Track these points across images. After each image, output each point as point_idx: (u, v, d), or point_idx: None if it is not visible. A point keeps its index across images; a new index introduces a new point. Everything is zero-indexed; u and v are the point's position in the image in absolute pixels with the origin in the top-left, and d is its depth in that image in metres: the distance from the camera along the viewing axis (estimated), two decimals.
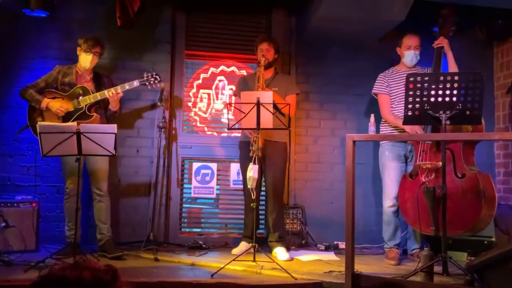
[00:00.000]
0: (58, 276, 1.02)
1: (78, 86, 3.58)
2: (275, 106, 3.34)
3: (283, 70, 4.37)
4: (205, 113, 4.44)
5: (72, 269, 1.04)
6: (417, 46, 3.69)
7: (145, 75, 3.71)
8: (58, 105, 3.54)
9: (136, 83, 3.66)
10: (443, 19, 3.58)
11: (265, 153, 3.64)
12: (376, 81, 3.82)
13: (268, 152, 3.68)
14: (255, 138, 3.46)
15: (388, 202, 3.66)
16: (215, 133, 4.46)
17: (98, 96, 3.55)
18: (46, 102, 3.54)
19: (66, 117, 3.54)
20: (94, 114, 3.59)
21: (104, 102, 3.68)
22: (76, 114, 3.54)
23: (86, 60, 3.58)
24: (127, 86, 3.61)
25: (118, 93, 3.57)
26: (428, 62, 3.65)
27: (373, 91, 3.83)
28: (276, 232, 3.74)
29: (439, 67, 3.53)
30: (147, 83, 3.71)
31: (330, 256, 3.73)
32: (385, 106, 3.75)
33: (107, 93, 3.55)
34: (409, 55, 3.69)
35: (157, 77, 3.73)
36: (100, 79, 3.71)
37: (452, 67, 3.51)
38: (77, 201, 3.23)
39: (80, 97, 3.54)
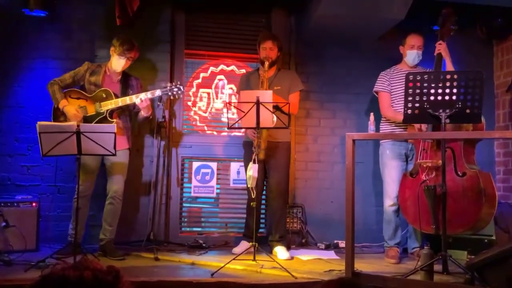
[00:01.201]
0: (59, 275, 1.03)
1: (102, 89, 3.54)
2: (276, 106, 3.35)
3: (284, 68, 4.37)
4: (205, 112, 4.45)
5: (74, 269, 1.04)
6: (420, 46, 3.68)
7: (168, 85, 3.65)
8: (73, 111, 3.48)
9: (158, 92, 3.60)
10: (444, 18, 3.57)
11: (268, 154, 3.63)
12: (378, 79, 3.82)
13: (272, 153, 3.67)
14: (258, 143, 3.46)
15: (389, 201, 3.66)
16: (215, 132, 4.46)
17: (120, 102, 3.52)
18: (63, 104, 3.50)
19: (87, 120, 3.50)
20: (115, 120, 3.55)
21: (128, 107, 3.65)
22: (97, 118, 3.52)
23: (118, 64, 3.56)
24: (149, 95, 3.56)
25: (142, 102, 3.50)
26: (429, 61, 3.64)
27: (374, 89, 3.83)
28: (277, 231, 3.75)
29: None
30: (169, 93, 3.64)
31: (330, 255, 3.73)
32: (385, 104, 3.75)
33: (129, 100, 3.52)
34: (412, 54, 3.68)
35: (180, 87, 3.65)
36: (128, 81, 3.68)
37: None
38: (77, 200, 3.23)
39: (103, 102, 3.52)
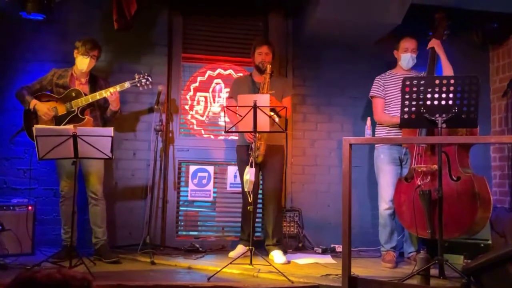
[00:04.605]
0: (27, 277, 1.03)
1: (71, 88, 3.57)
2: (273, 110, 3.36)
3: (280, 73, 4.38)
4: (202, 116, 4.45)
5: (43, 273, 1.04)
6: (414, 49, 3.72)
7: (136, 77, 3.70)
8: (45, 109, 3.51)
9: (127, 84, 3.64)
10: (436, 23, 3.61)
11: (263, 157, 3.64)
12: (373, 84, 3.84)
13: (267, 156, 3.68)
14: (258, 145, 3.46)
15: (384, 205, 3.67)
16: (212, 136, 4.46)
17: (90, 98, 3.54)
18: (33, 103, 3.52)
19: (58, 120, 3.53)
20: (87, 117, 3.57)
21: (99, 104, 3.67)
22: (68, 117, 3.53)
23: (83, 63, 3.57)
24: (118, 88, 3.60)
25: (112, 95, 3.54)
26: (424, 66, 3.66)
27: (370, 94, 3.85)
28: (273, 235, 3.74)
29: (433, 68, 3.56)
30: (138, 85, 3.70)
31: (327, 259, 3.73)
32: (378, 109, 3.77)
33: (99, 95, 3.55)
34: (406, 58, 3.71)
35: (149, 78, 3.72)
36: (96, 81, 3.70)
37: (446, 66, 3.53)
38: (73, 204, 3.21)
39: (73, 100, 3.54)
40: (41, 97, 3.60)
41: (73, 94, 3.55)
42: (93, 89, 3.64)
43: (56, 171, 3.63)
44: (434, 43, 3.54)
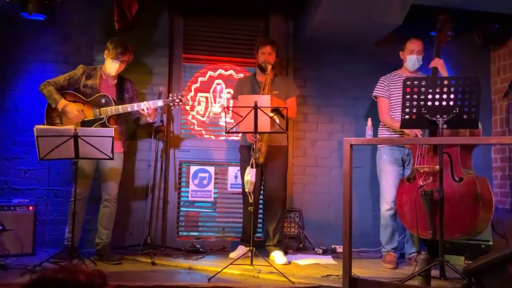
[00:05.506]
0: (51, 278, 1.04)
1: (101, 94, 3.53)
2: (276, 110, 3.36)
3: (281, 73, 4.38)
4: (203, 116, 4.45)
5: (66, 272, 1.05)
6: (420, 51, 3.70)
7: (170, 96, 3.70)
8: (75, 111, 3.44)
9: (160, 103, 3.65)
10: (440, 24, 3.61)
11: (266, 158, 3.64)
12: (377, 84, 3.82)
13: (269, 157, 3.68)
14: (259, 146, 3.46)
15: (386, 206, 3.66)
16: (212, 137, 4.46)
17: (121, 109, 3.52)
18: (63, 103, 3.45)
19: (85, 125, 3.46)
20: (114, 125, 3.53)
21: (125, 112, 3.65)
22: (96, 124, 3.50)
23: (112, 67, 3.55)
24: (151, 105, 3.59)
25: (146, 110, 3.54)
26: (428, 66, 3.66)
27: (373, 93, 3.84)
28: (274, 236, 3.74)
29: None
30: (171, 104, 3.71)
31: (328, 260, 3.73)
32: (383, 109, 3.76)
33: (130, 108, 3.54)
34: (412, 59, 3.70)
35: (182, 98, 3.72)
36: (123, 84, 3.68)
37: None
38: (74, 205, 3.21)
39: (102, 107, 3.51)
40: (67, 96, 3.53)
41: (103, 101, 3.51)
42: (120, 93, 3.62)
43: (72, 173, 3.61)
44: (438, 63, 3.51)
